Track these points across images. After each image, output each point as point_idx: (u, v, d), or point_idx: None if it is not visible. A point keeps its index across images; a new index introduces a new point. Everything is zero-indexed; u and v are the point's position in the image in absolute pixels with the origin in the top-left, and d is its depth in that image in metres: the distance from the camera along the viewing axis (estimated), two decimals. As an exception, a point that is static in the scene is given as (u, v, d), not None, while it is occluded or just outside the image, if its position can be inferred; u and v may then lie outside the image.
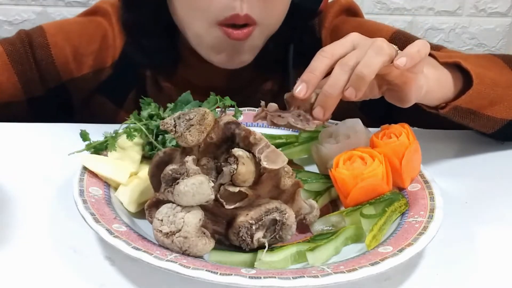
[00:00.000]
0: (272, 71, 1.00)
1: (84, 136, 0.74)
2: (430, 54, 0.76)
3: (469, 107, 0.78)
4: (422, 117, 0.82)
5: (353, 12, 1.05)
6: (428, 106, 0.78)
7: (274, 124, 0.70)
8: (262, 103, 0.70)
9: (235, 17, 0.83)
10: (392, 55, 0.65)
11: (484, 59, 0.87)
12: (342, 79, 0.65)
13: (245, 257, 0.62)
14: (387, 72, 0.68)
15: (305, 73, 0.67)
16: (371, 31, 0.99)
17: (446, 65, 0.77)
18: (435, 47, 0.96)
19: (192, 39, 0.90)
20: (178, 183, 0.59)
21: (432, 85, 0.73)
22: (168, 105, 0.79)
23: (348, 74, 0.65)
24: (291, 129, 0.74)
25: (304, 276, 0.56)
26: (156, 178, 0.65)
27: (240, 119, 0.81)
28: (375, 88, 0.73)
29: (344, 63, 0.65)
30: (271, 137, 0.80)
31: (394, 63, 0.64)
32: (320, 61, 0.66)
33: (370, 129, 0.76)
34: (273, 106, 0.71)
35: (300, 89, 0.66)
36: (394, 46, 0.66)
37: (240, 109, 0.82)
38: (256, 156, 0.61)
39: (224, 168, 0.61)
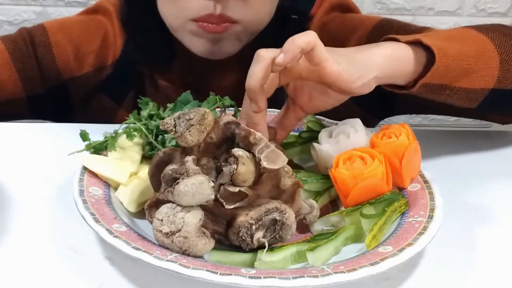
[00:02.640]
0: None
1: (84, 136, 0.74)
2: (392, 38, 0.75)
3: (439, 82, 0.75)
4: (420, 101, 0.81)
5: (345, 7, 1.04)
6: (398, 88, 0.76)
7: None
8: None
9: (209, 16, 0.84)
10: (272, 57, 0.65)
11: (454, 31, 0.84)
12: (246, 101, 0.69)
13: (245, 257, 0.62)
14: (295, 76, 0.69)
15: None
16: (354, 25, 0.99)
17: (409, 44, 0.74)
18: (419, 29, 0.93)
19: (171, 31, 0.91)
20: (178, 183, 0.59)
21: (385, 65, 0.71)
22: (168, 105, 0.79)
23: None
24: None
25: (304, 276, 0.56)
26: (156, 178, 0.65)
27: (240, 119, 0.81)
28: (331, 94, 0.72)
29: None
30: (271, 137, 0.80)
31: (275, 62, 0.65)
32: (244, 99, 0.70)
33: (370, 129, 0.76)
34: None
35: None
36: (281, 48, 0.66)
37: (239, 109, 0.82)
38: (256, 156, 0.61)
39: (224, 168, 0.61)
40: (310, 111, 0.75)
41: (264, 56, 0.65)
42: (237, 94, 0.82)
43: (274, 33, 0.92)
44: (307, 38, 0.65)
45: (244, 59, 0.93)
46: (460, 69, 0.76)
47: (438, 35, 0.79)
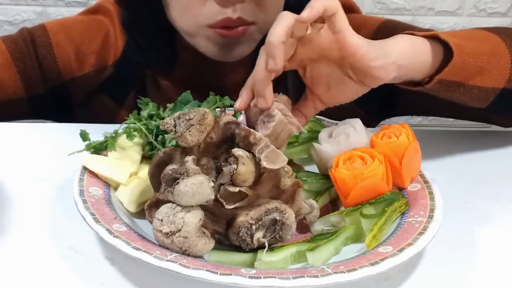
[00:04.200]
0: None
1: (84, 136, 0.74)
2: (408, 33, 0.75)
3: (454, 79, 0.76)
4: (422, 102, 0.81)
5: (347, 8, 1.04)
6: (413, 84, 0.76)
7: None
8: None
9: (226, 20, 0.83)
10: (295, 17, 0.66)
11: (466, 31, 0.85)
12: (260, 60, 0.67)
13: (245, 257, 0.62)
14: (317, 48, 0.69)
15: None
16: (357, 25, 0.98)
17: (425, 39, 0.75)
18: (423, 31, 0.94)
19: (185, 36, 0.91)
20: (178, 183, 0.59)
21: (404, 53, 0.72)
22: (168, 105, 0.79)
23: (264, 53, 0.66)
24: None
25: (304, 276, 0.56)
26: (156, 178, 0.65)
27: (240, 119, 0.81)
28: (349, 84, 0.72)
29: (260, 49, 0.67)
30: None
31: (299, 18, 0.65)
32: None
33: (370, 129, 0.76)
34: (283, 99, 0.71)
35: (238, 102, 0.69)
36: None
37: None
38: (256, 156, 0.61)
39: (224, 168, 0.61)
40: (328, 101, 0.74)
41: (287, 15, 0.66)
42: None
43: None
44: (331, 2, 0.66)
45: (246, 59, 0.93)
46: (475, 66, 0.77)
47: (452, 33, 0.79)
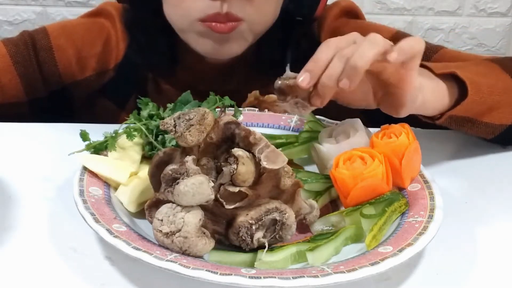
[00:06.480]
0: (270, 74, 1.00)
1: (84, 136, 0.74)
2: (426, 67, 0.77)
3: (465, 115, 0.79)
4: (425, 122, 0.83)
5: (353, 14, 1.04)
6: (424, 116, 0.79)
7: (270, 110, 0.71)
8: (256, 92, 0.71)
9: (216, 15, 0.84)
10: (386, 47, 0.65)
11: (481, 65, 0.87)
12: (337, 70, 0.65)
13: (245, 257, 0.62)
14: (380, 69, 0.68)
15: (309, 63, 0.67)
16: (369, 33, 0.99)
17: (442, 75, 0.77)
18: (434, 48, 0.96)
19: (178, 32, 0.91)
20: (178, 183, 0.59)
21: (428, 95, 0.73)
22: (168, 105, 0.79)
23: (344, 65, 0.65)
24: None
25: (304, 276, 0.56)
26: (156, 178, 0.65)
27: (240, 119, 0.81)
28: (369, 96, 0.73)
29: (341, 55, 0.66)
30: (271, 137, 0.80)
31: (386, 56, 0.64)
32: (325, 52, 0.67)
33: (370, 129, 0.76)
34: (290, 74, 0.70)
35: (303, 79, 0.67)
36: (390, 42, 0.66)
37: (239, 109, 0.82)
38: (256, 156, 0.61)
39: (224, 168, 0.61)
40: (343, 97, 0.74)
41: (381, 43, 0.65)
42: (240, 97, 0.83)
43: (278, 36, 0.92)
44: (421, 45, 0.67)
45: (247, 62, 0.93)
46: (486, 105, 0.80)
47: (467, 68, 0.81)
